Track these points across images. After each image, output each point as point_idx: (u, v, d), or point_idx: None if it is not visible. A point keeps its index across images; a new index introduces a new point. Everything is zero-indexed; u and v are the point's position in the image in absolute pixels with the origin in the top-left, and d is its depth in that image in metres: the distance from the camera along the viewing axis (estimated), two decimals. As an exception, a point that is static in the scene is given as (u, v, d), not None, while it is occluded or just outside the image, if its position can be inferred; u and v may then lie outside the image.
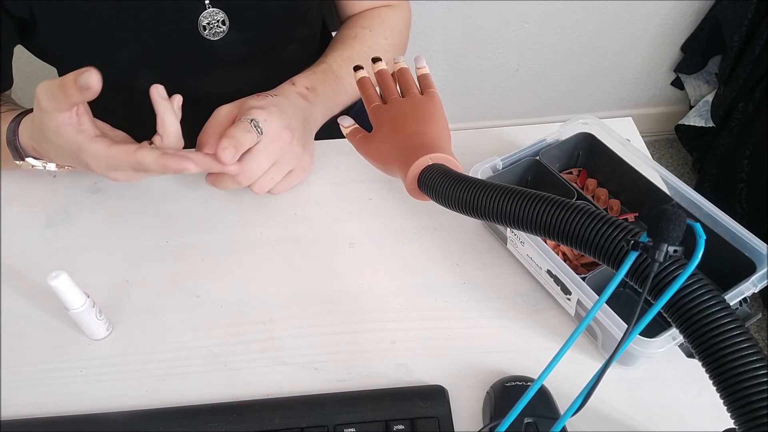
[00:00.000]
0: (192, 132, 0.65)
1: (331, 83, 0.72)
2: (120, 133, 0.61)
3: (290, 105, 0.66)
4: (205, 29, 0.69)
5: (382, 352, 0.57)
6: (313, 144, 0.70)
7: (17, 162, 0.63)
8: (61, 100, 0.51)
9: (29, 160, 0.62)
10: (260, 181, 0.64)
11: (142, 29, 0.68)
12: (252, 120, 0.60)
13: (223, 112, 0.64)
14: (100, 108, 0.61)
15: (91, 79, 0.48)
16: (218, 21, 0.69)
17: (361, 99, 0.63)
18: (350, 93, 0.74)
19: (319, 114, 0.71)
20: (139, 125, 0.62)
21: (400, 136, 0.53)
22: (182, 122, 0.61)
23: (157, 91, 0.56)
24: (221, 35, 0.71)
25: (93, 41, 0.68)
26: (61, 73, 0.82)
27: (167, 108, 0.56)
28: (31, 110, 0.62)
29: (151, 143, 0.57)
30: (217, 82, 0.75)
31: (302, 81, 0.70)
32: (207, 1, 0.68)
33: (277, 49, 0.78)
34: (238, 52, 0.74)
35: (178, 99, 0.59)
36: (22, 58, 0.72)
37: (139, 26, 0.68)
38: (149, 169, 0.54)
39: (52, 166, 0.63)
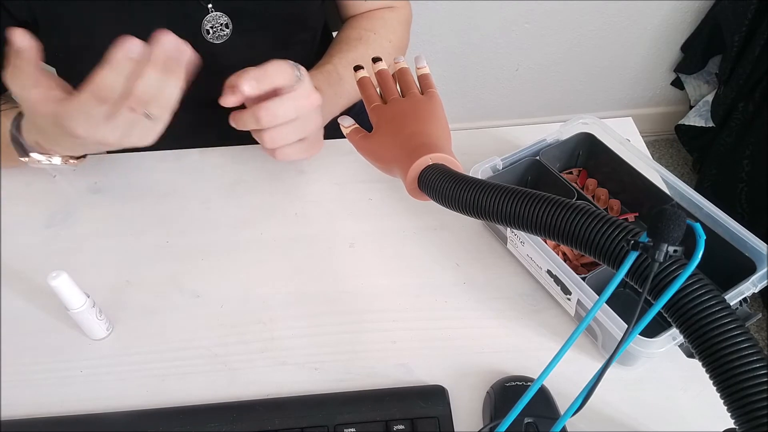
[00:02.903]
0: (193, 133, 0.65)
1: (334, 85, 0.72)
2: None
3: None
4: (208, 33, 0.69)
5: (382, 352, 0.57)
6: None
7: (22, 159, 0.63)
8: (18, 76, 0.51)
9: (34, 155, 0.62)
10: (277, 130, 0.62)
11: (144, 32, 0.68)
12: (297, 67, 0.60)
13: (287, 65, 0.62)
14: None
15: (17, 40, 0.49)
16: (221, 24, 0.69)
17: (361, 99, 0.63)
18: (351, 95, 0.74)
19: (322, 113, 0.70)
20: None
21: (401, 136, 0.53)
22: (182, 123, 0.61)
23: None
24: (225, 38, 0.71)
25: (95, 45, 0.68)
26: (60, 75, 0.82)
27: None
28: None
29: None
30: (219, 85, 0.75)
31: None
32: (210, 5, 0.68)
33: (279, 53, 0.78)
34: (240, 55, 0.73)
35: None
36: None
37: (140, 29, 0.68)
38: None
39: (57, 160, 0.63)
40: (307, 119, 0.63)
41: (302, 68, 0.61)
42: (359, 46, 0.77)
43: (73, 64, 0.72)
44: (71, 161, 0.65)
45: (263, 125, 0.61)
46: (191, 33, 0.69)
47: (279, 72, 0.59)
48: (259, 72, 0.58)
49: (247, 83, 0.58)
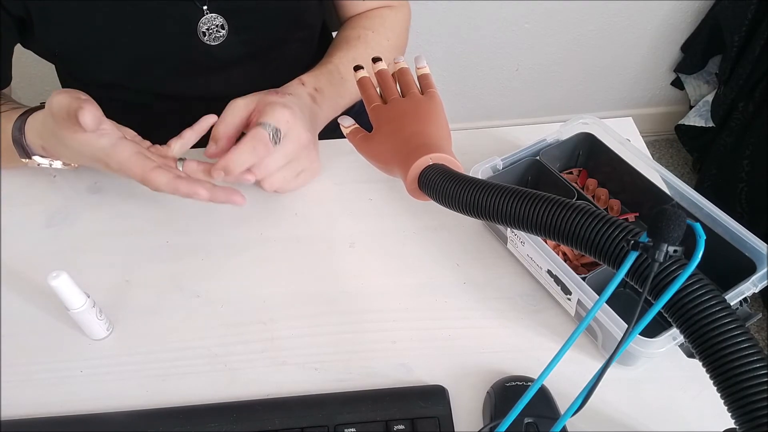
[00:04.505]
0: None
1: (336, 85, 0.72)
2: (129, 132, 0.61)
3: (305, 106, 0.66)
4: (204, 35, 0.69)
5: (382, 352, 0.57)
6: (317, 146, 0.70)
7: (23, 160, 0.63)
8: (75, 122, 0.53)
9: (36, 158, 0.62)
10: (272, 178, 0.63)
11: (141, 33, 0.68)
12: (274, 130, 0.60)
13: (240, 104, 0.63)
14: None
15: (86, 119, 0.51)
16: (217, 26, 0.69)
17: (361, 99, 0.63)
18: (353, 95, 0.74)
19: (323, 116, 0.70)
20: (135, 126, 0.62)
21: (401, 136, 0.53)
22: (182, 123, 0.61)
23: (207, 122, 0.61)
24: (221, 40, 0.71)
25: (91, 43, 0.68)
26: (60, 72, 0.83)
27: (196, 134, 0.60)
28: (36, 108, 0.62)
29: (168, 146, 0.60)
30: (216, 83, 0.75)
31: (311, 81, 0.70)
32: (205, 7, 0.68)
33: (276, 50, 0.78)
34: (237, 54, 0.74)
35: (210, 120, 0.61)
36: (22, 58, 0.72)
37: (137, 30, 0.68)
38: (160, 189, 0.56)
39: (58, 164, 0.64)
40: (300, 159, 0.64)
41: (285, 113, 0.61)
42: (358, 44, 0.77)
43: (70, 61, 0.72)
44: (73, 164, 0.65)
45: (258, 177, 0.62)
46: (187, 35, 0.69)
47: (249, 153, 0.59)
48: (227, 162, 0.58)
49: (216, 173, 0.59)
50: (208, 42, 0.70)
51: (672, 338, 0.49)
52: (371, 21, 0.80)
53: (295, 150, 0.63)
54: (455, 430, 0.51)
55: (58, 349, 0.58)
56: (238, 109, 0.63)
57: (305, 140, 0.63)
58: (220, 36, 0.70)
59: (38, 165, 0.63)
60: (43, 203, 0.70)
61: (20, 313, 0.61)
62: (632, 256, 0.34)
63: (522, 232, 0.58)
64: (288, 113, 0.61)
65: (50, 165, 0.64)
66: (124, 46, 0.69)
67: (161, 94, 0.75)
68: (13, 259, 0.65)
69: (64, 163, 0.64)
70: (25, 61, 0.75)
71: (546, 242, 0.58)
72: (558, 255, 0.57)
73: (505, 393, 0.51)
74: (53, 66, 0.78)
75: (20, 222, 0.68)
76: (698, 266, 0.32)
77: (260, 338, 0.58)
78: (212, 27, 0.69)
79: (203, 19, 0.68)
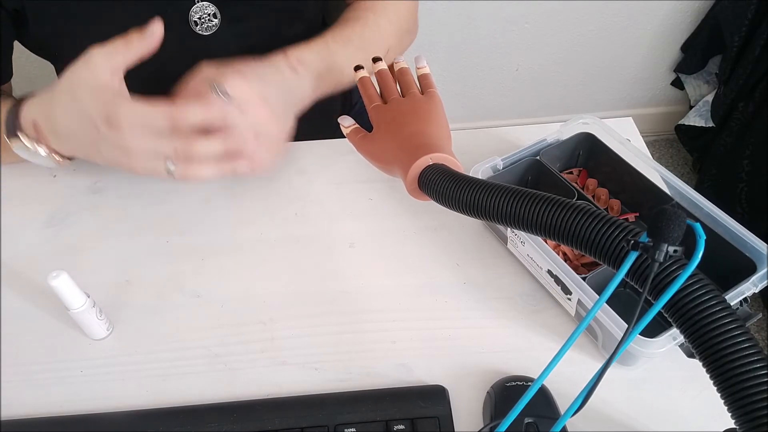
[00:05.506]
0: None
1: (325, 59, 0.70)
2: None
3: (281, 79, 0.64)
4: (197, 24, 0.69)
5: (382, 352, 0.57)
6: (291, 121, 0.65)
7: (7, 140, 0.61)
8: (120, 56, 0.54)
9: (21, 135, 0.59)
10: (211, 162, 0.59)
11: (133, 25, 0.68)
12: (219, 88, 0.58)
13: (206, 72, 0.63)
14: None
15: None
16: (209, 15, 0.69)
17: (361, 98, 0.63)
18: (343, 71, 0.71)
19: (307, 88, 0.67)
20: None
21: (401, 136, 0.53)
22: None
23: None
24: (214, 29, 0.70)
25: (83, 36, 0.68)
26: (57, 69, 0.82)
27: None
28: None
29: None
30: None
31: (295, 53, 0.68)
32: None
33: (273, 46, 0.78)
34: (231, 46, 0.73)
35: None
36: (21, 58, 0.72)
37: (129, 22, 0.67)
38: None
39: (42, 151, 0.61)
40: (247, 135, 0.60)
41: (236, 82, 0.59)
42: (356, 24, 0.74)
43: (63, 53, 0.72)
44: (56, 157, 0.63)
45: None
46: (179, 24, 0.69)
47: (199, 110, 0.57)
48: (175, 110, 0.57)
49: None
50: (200, 32, 0.70)
51: (672, 338, 0.49)
52: (373, 3, 0.79)
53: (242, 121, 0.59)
54: (455, 430, 0.51)
55: (58, 349, 0.58)
56: (204, 74, 0.62)
57: (256, 115, 0.60)
58: (213, 25, 0.70)
59: (24, 146, 0.60)
60: (43, 203, 0.70)
61: (20, 313, 0.61)
62: (632, 256, 0.34)
63: (522, 232, 0.58)
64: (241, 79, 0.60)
65: (35, 148, 0.60)
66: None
67: (157, 88, 0.75)
68: (13, 259, 0.65)
69: (48, 150, 0.61)
70: (24, 61, 0.75)
71: (546, 242, 0.58)
72: (558, 255, 0.57)
73: (505, 393, 0.51)
74: (53, 66, 0.78)
75: (20, 222, 0.68)
76: (698, 266, 0.33)
77: (260, 338, 0.58)
78: (204, 15, 0.69)
79: (195, 8, 0.68)
